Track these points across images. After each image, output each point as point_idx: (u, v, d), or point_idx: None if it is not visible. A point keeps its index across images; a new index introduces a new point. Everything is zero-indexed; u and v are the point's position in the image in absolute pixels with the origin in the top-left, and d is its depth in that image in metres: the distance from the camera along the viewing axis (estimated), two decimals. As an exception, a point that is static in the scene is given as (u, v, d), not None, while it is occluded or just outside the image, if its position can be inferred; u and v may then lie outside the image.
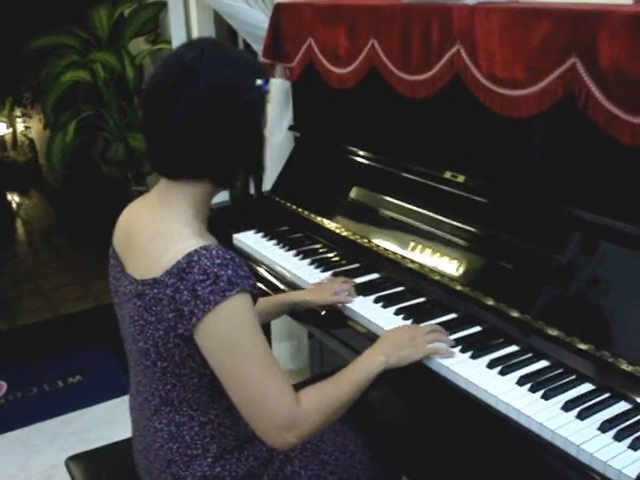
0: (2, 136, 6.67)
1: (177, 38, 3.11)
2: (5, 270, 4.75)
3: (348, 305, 1.77)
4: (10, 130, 6.70)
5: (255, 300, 1.34)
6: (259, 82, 1.38)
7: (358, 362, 1.46)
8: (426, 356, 1.52)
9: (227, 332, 1.28)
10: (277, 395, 1.29)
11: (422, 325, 1.60)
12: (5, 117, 6.59)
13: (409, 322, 1.67)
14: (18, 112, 6.58)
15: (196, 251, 1.28)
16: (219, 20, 2.85)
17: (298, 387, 1.36)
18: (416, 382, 1.55)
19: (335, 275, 1.94)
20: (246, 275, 1.30)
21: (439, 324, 1.63)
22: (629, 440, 1.25)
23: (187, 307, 1.27)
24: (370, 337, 1.68)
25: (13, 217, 5.91)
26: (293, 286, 1.99)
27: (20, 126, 6.68)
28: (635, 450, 1.23)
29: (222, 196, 2.88)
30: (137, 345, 1.39)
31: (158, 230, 1.37)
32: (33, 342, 3.69)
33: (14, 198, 6.36)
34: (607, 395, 1.38)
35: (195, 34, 2.93)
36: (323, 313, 1.82)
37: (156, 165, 1.43)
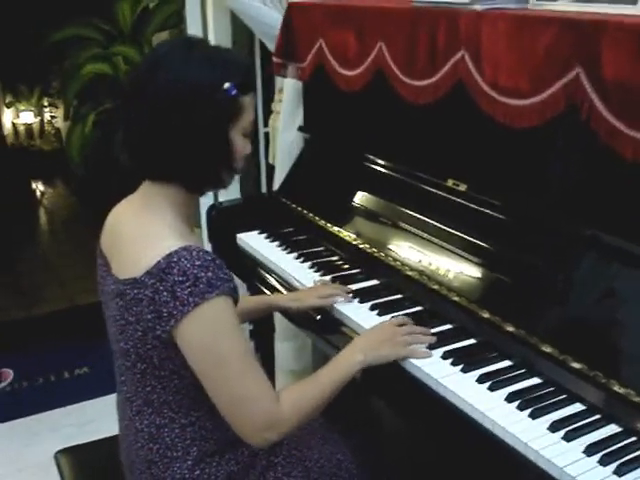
0: (30, 124, 6.73)
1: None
2: (25, 258, 4.79)
3: (344, 311, 1.75)
4: (38, 119, 6.77)
5: (235, 303, 1.33)
6: (226, 85, 1.31)
7: (336, 361, 1.47)
8: (403, 358, 1.50)
9: (206, 334, 1.27)
10: (257, 397, 1.30)
11: (400, 323, 1.59)
12: (33, 106, 6.66)
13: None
14: (45, 101, 6.64)
15: (176, 252, 1.27)
16: (236, 20, 2.83)
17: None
18: (404, 394, 1.53)
19: (335, 280, 1.92)
20: (227, 278, 1.29)
21: (434, 334, 1.60)
22: (614, 465, 1.21)
23: (166, 308, 1.27)
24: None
25: (36, 205, 5.97)
26: (292, 289, 1.96)
27: (47, 115, 6.75)
28: (620, 476, 1.19)
29: (233, 193, 2.87)
30: (118, 345, 1.40)
31: (140, 231, 1.37)
32: (46, 332, 3.70)
33: (38, 187, 6.42)
34: (597, 417, 1.34)
35: (211, 32, 2.91)
36: (318, 318, 1.80)
37: (130, 164, 1.42)
